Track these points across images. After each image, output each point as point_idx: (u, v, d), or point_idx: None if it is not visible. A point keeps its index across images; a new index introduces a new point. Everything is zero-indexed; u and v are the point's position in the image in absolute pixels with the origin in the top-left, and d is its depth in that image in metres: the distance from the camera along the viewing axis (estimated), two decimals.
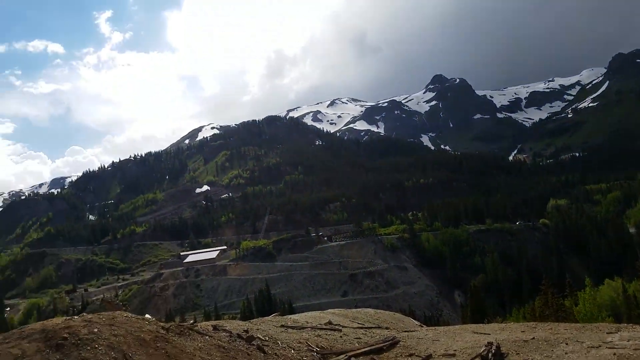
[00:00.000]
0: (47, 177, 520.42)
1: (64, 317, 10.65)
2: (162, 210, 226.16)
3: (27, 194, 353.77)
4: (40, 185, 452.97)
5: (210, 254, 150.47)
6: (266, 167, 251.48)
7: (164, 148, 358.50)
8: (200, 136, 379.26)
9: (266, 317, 17.38)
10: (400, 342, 13.11)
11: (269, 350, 11.37)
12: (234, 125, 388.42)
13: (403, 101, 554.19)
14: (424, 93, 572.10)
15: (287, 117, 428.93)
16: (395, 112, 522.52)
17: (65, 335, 8.99)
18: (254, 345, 11.38)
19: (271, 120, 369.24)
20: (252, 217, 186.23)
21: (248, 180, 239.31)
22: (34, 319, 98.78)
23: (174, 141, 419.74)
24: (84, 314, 11.27)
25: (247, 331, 12.51)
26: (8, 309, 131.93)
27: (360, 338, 13.98)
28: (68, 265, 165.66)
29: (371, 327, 16.58)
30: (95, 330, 9.51)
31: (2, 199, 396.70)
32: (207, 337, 11.11)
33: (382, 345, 12.64)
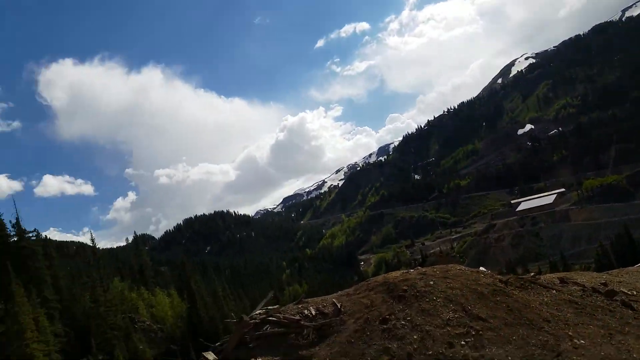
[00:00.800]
0: (374, 147, 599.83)
1: (402, 270, 12.05)
2: (483, 160, 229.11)
3: (361, 165, 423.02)
4: (370, 155, 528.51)
5: (546, 199, 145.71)
6: (602, 88, 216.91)
7: (475, 95, 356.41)
8: (513, 71, 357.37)
9: (630, 268, 15.12)
10: None
11: (638, 307, 9.68)
12: (552, 48, 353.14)
13: None
14: None
15: (623, 19, 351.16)
16: None
17: (404, 288, 10.18)
18: (616, 300, 9.95)
19: (601, 29, 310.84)
20: (593, 150, 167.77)
21: (580, 108, 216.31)
22: (383, 270, 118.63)
23: (485, 84, 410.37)
24: (418, 267, 12.41)
25: (605, 284, 11.14)
26: (362, 262, 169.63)
27: None
28: (403, 223, 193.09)
29: None
30: (431, 282, 10.33)
31: (343, 172, 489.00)
32: (553, 291, 10.56)
33: None
